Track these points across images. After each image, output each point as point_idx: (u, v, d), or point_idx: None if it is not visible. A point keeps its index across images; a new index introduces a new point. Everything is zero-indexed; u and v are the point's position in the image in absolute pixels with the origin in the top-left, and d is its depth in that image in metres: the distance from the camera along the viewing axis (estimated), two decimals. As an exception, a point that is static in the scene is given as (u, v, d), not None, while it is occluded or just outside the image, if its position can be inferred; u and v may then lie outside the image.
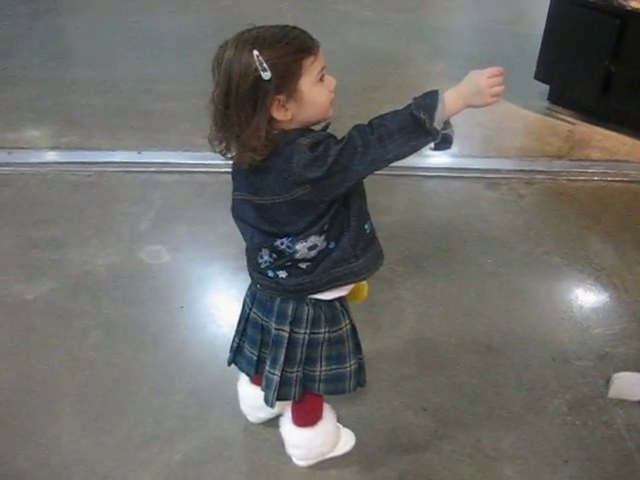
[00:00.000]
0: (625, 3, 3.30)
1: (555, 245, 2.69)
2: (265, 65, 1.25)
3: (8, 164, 3.17)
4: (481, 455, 1.84)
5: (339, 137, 1.34)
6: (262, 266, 1.48)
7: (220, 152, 1.39)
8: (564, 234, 2.76)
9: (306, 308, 1.50)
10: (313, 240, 1.40)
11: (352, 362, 1.59)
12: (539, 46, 3.79)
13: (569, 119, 3.72)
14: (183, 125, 3.51)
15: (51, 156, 3.27)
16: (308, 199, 1.35)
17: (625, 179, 3.17)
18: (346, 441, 1.83)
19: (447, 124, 1.36)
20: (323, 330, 1.53)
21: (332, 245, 1.43)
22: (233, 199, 1.48)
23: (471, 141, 3.53)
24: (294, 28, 1.33)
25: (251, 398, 1.81)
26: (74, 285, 2.42)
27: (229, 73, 1.29)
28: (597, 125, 3.63)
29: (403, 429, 1.90)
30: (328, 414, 1.77)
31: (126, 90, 3.97)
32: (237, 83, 1.27)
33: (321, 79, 1.34)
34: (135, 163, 3.19)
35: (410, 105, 1.33)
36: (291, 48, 1.28)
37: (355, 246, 1.44)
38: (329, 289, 1.49)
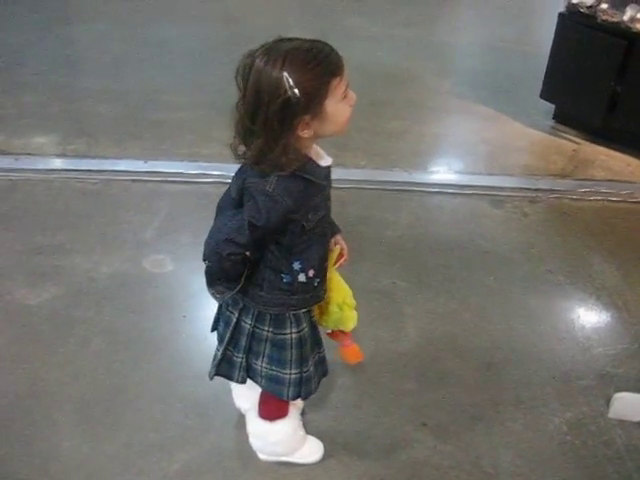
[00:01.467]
0: (632, 25, 3.32)
1: (558, 264, 2.69)
2: (295, 88, 1.26)
3: (15, 170, 3.19)
4: (480, 472, 1.83)
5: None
6: None
7: (243, 159, 1.42)
8: (567, 253, 2.77)
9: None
10: None
11: (292, 371, 1.60)
12: (545, 65, 3.82)
13: (574, 138, 3.74)
14: (189, 135, 3.54)
15: (58, 163, 3.29)
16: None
17: (629, 199, 3.18)
18: (312, 451, 1.84)
19: None
20: (266, 329, 1.57)
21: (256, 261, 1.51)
22: None
23: (476, 158, 3.55)
24: (323, 45, 1.33)
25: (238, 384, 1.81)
26: (77, 292, 2.43)
27: (258, 89, 1.29)
28: (602, 145, 3.65)
29: (402, 444, 1.90)
30: (291, 418, 1.80)
31: (134, 99, 4.00)
32: (267, 103, 1.28)
33: (345, 96, 1.35)
34: (141, 172, 3.21)
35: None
36: (320, 70, 1.29)
37: (264, 279, 1.51)
38: (240, 297, 1.56)
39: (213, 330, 1.73)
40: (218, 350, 1.66)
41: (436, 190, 3.19)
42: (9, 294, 2.40)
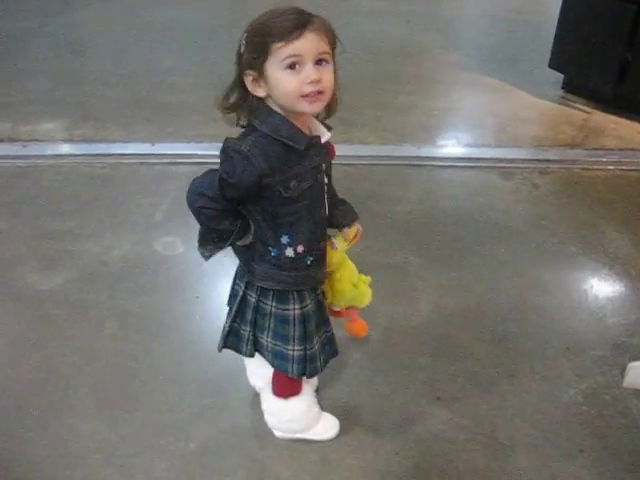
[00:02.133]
0: (641, -10, 3.27)
1: (570, 234, 2.68)
2: (243, 40, 1.36)
3: (23, 157, 3.19)
4: (496, 444, 1.83)
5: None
6: None
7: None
8: (579, 223, 2.75)
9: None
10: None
11: (296, 348, 1.59)
12: (553, 34, 3.77)
13: (584, 108, 3.70)
14: (196, 117, 3.52)
15: (65, 148, 3.30)
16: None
17: (640, 168, 3.15)
18: (328, 428, 1.84)
19: None
20: (270, 303, 1.57)
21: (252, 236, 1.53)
22: None
23: (485, 130, 3.52)
24: (292, 13, 1.32)
25: (252, 362, 1.83)
26: (89, 276, 2.43)
27: None
28: (612, 114, 3.61)
29: (417, 418, 1.90)
30: (305, 394, 1.81)
31: (139, 82, 3.99)
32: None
33: (291, 67, 1.32)
34: (149, 155, 3.20)
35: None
36: (265, 29, 1.32)
37: (256, 252, 1.53)
38: (245, 271, 1.58)
39: (228, 305, 1.73)
40: (226, 322, 1.67)
41: (445, 164, 3.17)
42: (21, 280, 2.41)
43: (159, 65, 4.24)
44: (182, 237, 2.61)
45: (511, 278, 2.44)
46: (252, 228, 1.50)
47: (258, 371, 1.89)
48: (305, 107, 1.35)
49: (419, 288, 2.38)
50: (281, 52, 1.30)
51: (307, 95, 1.33)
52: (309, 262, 1.52)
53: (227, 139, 1.42)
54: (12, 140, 3.35)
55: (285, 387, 1.78)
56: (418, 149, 3.28)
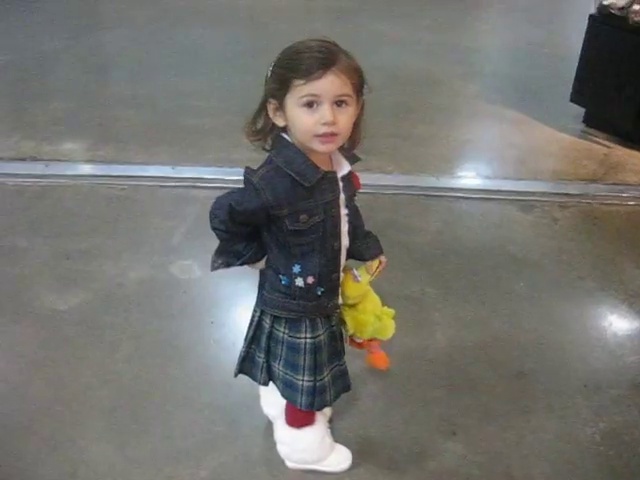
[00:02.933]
0: (663, 27, 3.27)
1: (589, 270, 2.65)
2: (270, 68, 1.38)
3: (45, 176, 3.22)
4: (511, 483, 1.81)
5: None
6: None
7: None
8: (598, 259, 2.73)
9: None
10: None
11: (305, 378, 1.57)
12: (575, 68, 3.78)
13: (604, 142, 3.69)
14: (217, 141, 3.55)
15: (86, 169, 3.33)
16: None
17: (661, 204, 3.13)
18: (340, 460, 1.82)
19: None
20: (282, 330, 1.56)
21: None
22: None
23: (505, 163, 3.51)
24: (321, 50, 1.32)
25: (266, 390, 1.81)
26: (106, 297, 2.44)
27: None
28: (633, 149, 3.60)
29: (432, 453, 1.88)
30: (318, 425, 1.79)
31: (162, 105, 4.02)
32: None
33: (309, 106, 1.32)
34: (169, 178, 3.22)
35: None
36: (291, 64, 1.33)
37: (266, 280, 1.55)
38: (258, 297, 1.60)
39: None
40: (243, 348, 1.67)
41: (464, 195, 3.16)
42: (38, 299, 2.42)
43: (181, 88, 4.27)
44: (199, 261, 2.61)
45: (529, 313, 2.41)
46: (265, 256, 1.52)
47: (272, 399, 1.87)
48: (317, 147, 1.36)
49: (436, 320, 2.36)
50: (301, 90, 1.31)
51: (321, 135, 1.34)
52: (319, 293, 1.51)
53: (246, 168, 1.44)
54: (34, 159, 3.38)
55: (298, 417, 1.76)
56: (437, 180, 3.28)
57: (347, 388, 1.68)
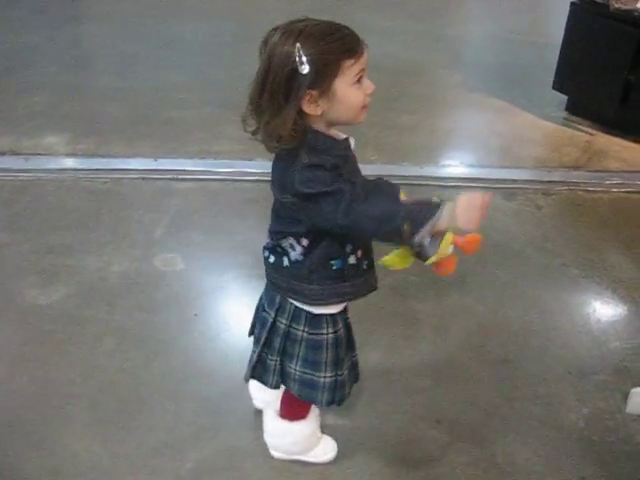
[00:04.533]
0: (645, 13, 3.28)
1: (573, 257, 2.66)
2: (304, 59, 1.26)
3: (25, 170, 3.19)
4: (496, 470, 1.81)
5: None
6: (264, 246, 1.55)
7: (250, 132, 1.40)
8: (582, 245, 2.73)
9: (289, 300, 1.53)
10: (292, 242, 1.45)
11: (327, 374, 1.56)
12: (557, 56, 3.78)
13: (587, 129, 3.69)
14: (200, 133, 3.53)
15: (68, 163, 3.29)
16: (292, 208, 1.39)
17: (644, 190, 3.14)
18: (326, 451, 1.81)
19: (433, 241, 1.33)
20: (302, 328, 1.54)
21: (301, 258, 1.46)
22: None
23: (488, 151, 3.51)
24: (343, 27, 1.33)
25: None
26: (88, 291, 2.42)
27: (270, 60, 1.30)
28: (615, 136, 3.61)
29: (417, 442, 1.88)
30: (311, 419, 1.78)
31: (144, 98, 3.99)
32: (275, 72, 1.29)
33: (359, 81, 1.34)
34: (151, 170, 3.20)
35: (407, 205, 1.35)
36: (333, 47, 1.29)
37: (313, 272, 1.46)
38: (290, 298, 1.52)
39: (250, 334, 1.70)
40: (254, 352, 1.63)
41: (448, 184, 3.15)
42: (20, 295, 2.40)
43: (163, 81, 4.24)
44: (182, 254, 2.60)
45: (513, 300, 2.42)
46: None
47: (256, 395, 1.87)
48: (363, 117, 1.38)
49: (420, 310, 2.36)
50: (353, 68, 1.31)
51: (366, 105, 1.37)
52: (365, 266, 1.51)
53: (283, 194, 1.38)
54: (14, 153, 3.35)
55: (294, 410, 1.75)
56: (421, 169, 3.28)
57: (357, 379, 1.70)
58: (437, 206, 1.31)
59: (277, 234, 1.48)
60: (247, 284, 2.40)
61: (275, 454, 1.81)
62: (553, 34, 4.00)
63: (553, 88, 3.85)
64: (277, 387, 1.64)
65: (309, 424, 1.78)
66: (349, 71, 1.31)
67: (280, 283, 1.52)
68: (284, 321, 1.54)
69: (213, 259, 2.61)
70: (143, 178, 3.14)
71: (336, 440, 1.84)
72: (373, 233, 1.38)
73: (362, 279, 1.51)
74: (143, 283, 2.46)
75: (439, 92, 4.23)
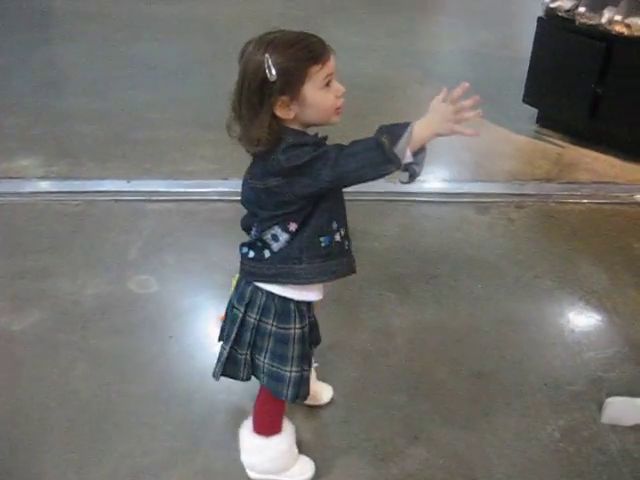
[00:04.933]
0: (610, 27, 3.34)
1: (546, 269, 2.68)
2: (272, 68, 1.36)
3: (-4, 194, 3.16)
4: (474, 484, 1.81)
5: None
6: (241, 244, 1.59)
7: (237, 139, 1.47)
8: (554, 257, 2.76)
9: (260, 294, 1.56)
10: (275, 233, 1.50)
11: (293, 369, 1.59)
12: (527, 70, 3.83)
13: (558, 142, 3.75)
14: (173, 153, 3.52)
15: (40, 185, 3.27)
16: (279, 192, 1.44)
17: (614, 201, 3.19)
18: (303, 471, 1.80)
19: (417, 157, 1.43)
20: (271, 322, 1.57)
21: (285, 245, 1.50)
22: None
23: (461, 165, 3.54)
24: (310, 36, 1.43)
25: None
26: (62, 315, 2.39)
27: (244, 70, 1.41)
28: (586, 147, 3.66)
29: (394, 458, 1.87)
30: (287, 433, 1.78)
31: (117, 119, 3.98)
32: (249, 81, 1.39)
33: (327, 85, 1.43)
34: (124, 192, 3.18)
35: (383, 126, 1.43)
36: (299, 55, 1.39)
37: (302, 251, 1.50)
38: (276, 283, 1.55)
39: (220, 340, 1.71)
40: (224, 349, 1.65)
41: (422, 199, 3.18)
42: (-8, 320, 2.37)
43: (136, 101, 4.23)
44: (157, 275, 2.59)
45: (487, 313, 2.43)
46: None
47: None
48: (336, 119, 1.47)
49: (395, 325, 2.36)
50: (319, 74, 1.40)
51: (339, 107, 1.46)
52: (347, 247, 1.57)
53: (267, 179, 1.45)
54: (-15, 177, 3.32)
55: (266, 425, 1.75)
56: (394, 184, 3.27)
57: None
58: (406, 123, 1.41)
59: (262, 224, 1.52)
60: (222, 304, 2.35)
61: (251, 475, 1.80)
62: (522, 48, 4.06)
63: (523, 101, 3.90)
64: (248, 379, 1.66)
65: (285, 439, 1.77)
66: (316, 76, 1.40)
67: (264, 272, 1.54)
68: (254, 315, 1.57)
69: (188, 280, 2.60)
70: (116, 200, 3.12)
71: (313, 458, 1.83)
72: (359, 168, 1.40)
73: (345, 259, 1.57)
74: (117, 306, 2.44)
75: (411, 107, 4.24)
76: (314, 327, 1.69)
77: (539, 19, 3.69)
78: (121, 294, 2.50)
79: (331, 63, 1.42)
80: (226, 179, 3.10)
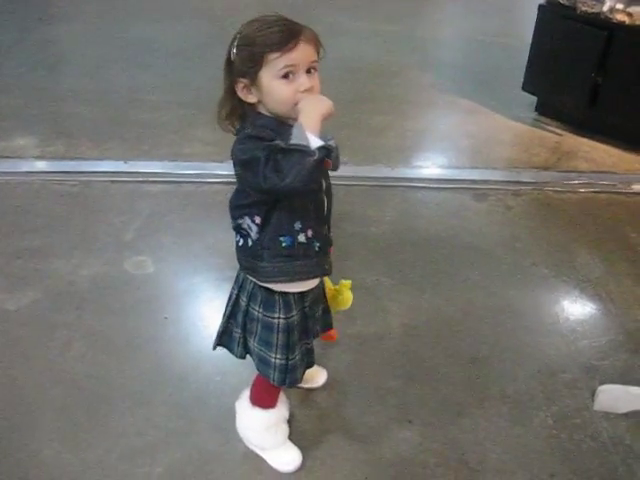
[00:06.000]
0: (611, 16, 3.33)
1: (542, 256, 2.69)
2: (235, 49, 1.40)
3: (-7, 173, 3.14)
4: (466, 469, 1.82)
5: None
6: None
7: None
8: (551, 245, 2.76)
9: (249, 280, 1.58)
10: (249, 223, 1.49)
11: (278, 356, 1.60)
12: (527, 58, 3.81)
13: (557, 130, 3.74)
14: (170, 135, 3.51)
15: (37, 165, 3.26)
16: (239, 180, 1.46)
17: (612, 190, 3.18)
18: (287, 461, 1.81)
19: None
20: (257, 308, 1.58)
21: (257, 237, 1.50)
22: None
23: (459, 152, 3.54)
24: (284, 23, 1.39)
25: None
26: (57, 296, 2.39)
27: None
28: (584, 136, 3.65)
29: (388, 442, 1.88)
30: (272, 414, 1.77)
31: (114, 100, 3.96)
32: (224, 59, 1.44)
33: (286, 76, 1.37)
34: (121, 173, 3.17)
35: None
36: (260, 39, 1.36)
37: (264, 249, 1.50)
38: (249, 274, 1.57)
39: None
40: (221, 322, 1.69)
41: (419, 185, 3.18)
42: (-13, 300, 2.37)
43: (134, 83, 4.21)
44: (153, 257, 2.59)
45: (483, 300, 2.44)
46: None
47: None
48: (291, 112, 1.39)
49: (391, 310, 2.37)
50: (277, 62, 1.36)
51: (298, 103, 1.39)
52: (317, 248, 1.53)
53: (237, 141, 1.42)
54: (-18, 157, 3.30)
55: (257, 396, 1.77)
56: (392, 170, 3.29)
57: (311, 364, 1.71)
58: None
59: (233, 211, 1.53)
60: (218, 287, 2.39)
61: (240, 433, 1.83)
62: (522, 36, 4.04)
63: (523, 89, 3.89)
64: (243, 357, 1.69)
65: (267, 416, 1.77)
66: (273, 64, 1.36)
67: (242, 262, 1.57)
68: (244, 299, 1.60)
69: (184, 262, 2.59)
70: (113, 181, 3.11)
71: (306, 441, 1.84)
72: (291, 168, 1.30)
73: (313, 260, 1.54)
74: (113, 287, 2.44)
75: (411, 93, 4.25)
76: (306, 317, 1.64)
77: (540, 6, 3.67)
78: (117, 275, 2.50)
79: (296, 55, 1.36)
80: (223, 162, 3.09)
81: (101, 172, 3.17)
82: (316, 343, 1.73)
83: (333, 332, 1.83)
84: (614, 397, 2.00)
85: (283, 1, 6.01)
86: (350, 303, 1.80)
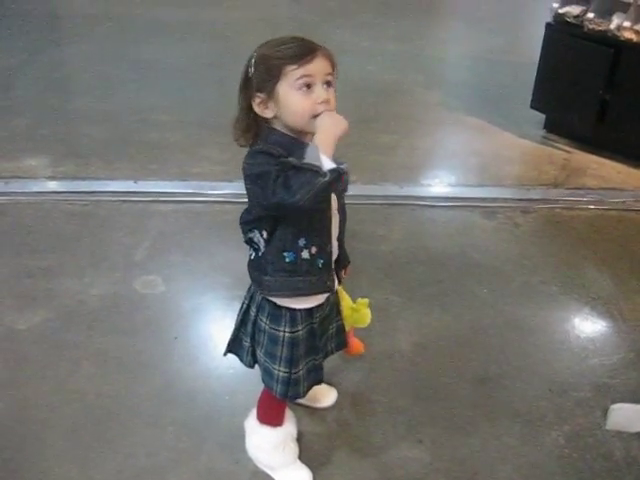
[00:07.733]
0: (619, 33, 3.34)
1: (551, 274, 2.68)
2: (252, 67, 1.44)
3: (5, 193, 3.16)
4: (477, 489, 1.81)
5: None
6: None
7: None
8: (560, 263, 2.76)
9: (258, 292, 1.60)
10: (257, 236, 1.52)
11: (281, 369, 1.60)
12: (534, 75, 3.82)
13: (565, 147, 3.74)
14: (179, 155, 3.53)
15: (47, 185, 3.28)
16: (248, 194, 1.47)
17: (621, 207, 3.18)
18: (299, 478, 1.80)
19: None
20: (265, 320, 1.60)
21: (263, 250, 1.52)
22: None
23: (467, 170, 3.54)
24: (300, 39, 1.44)
25: None
26: (68, 315, 2.40)
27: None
28: (593, 153, 3.65)
29: (398, 462, 1.87)
30: (280, 432, 1.78)
31: (124, 120, 3.99)
32: (241, 77, 1.47)
33: (303, 87, 1.40)
34: (131, 192, 3.19)
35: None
36: (278, 54, 1.41)
37: (269, 263, 1.52)
38: (256, 287, 1.60)
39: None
40: (233, 330, 1.71)
41: (428, 203, 3.18)
42: (-2, 319, 2.38)
43: (143, 103, 4.24)
44: (163, 276, 2.59)
45: (493, 318, 2.43)
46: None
47: None
48: (314, 127, 1.41)
49: (400, 328, 2.36)
50: (295, 73, 1.39)
51: (318, 115, 1.41)
52: (320, 265, 1.53)
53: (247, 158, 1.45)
54: (-6, 177, 3.33)
55: (266, 414, 1.77)
56: (401, 188, 3.29)
57: (318, 380, 1.71)
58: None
59: (244, 225, 1.56)
60: (228, 306, 2.39)
61: (250, 454, 1.83)
62: (530, 54, 4.05)
63: (531, 107, 3.90)
64: (252, 366, 1.70)
65: (275, 434, 1.78)
66: (291, 75, 1.40)
67: (251, 274, 1.59)
68: (254, 310, 1.62)
69: (193, 281, 2.60)
70: (123, 200, 3.13)
71: (315, 461, 1.83)
72: (300, 187, 1.34)
73: (316, 277, 1.54)
74: (123, 306, 2.45)
75: (418, 112, 4.26)
76: (313, 333, 1.62)
77: (547, 25, 3.68)
78: (127, 294, 2.51)
79: (313, 67, 1.40)
80: (232, 181, 3.10)
81: (111, 192, 3.19)
82: (326, 362, 1.73)
83: (358, 345, 1.87)
84: (627, 416, 1.98)
85: (290, 20, 6.11)
86: (368, 320, 1.83)
